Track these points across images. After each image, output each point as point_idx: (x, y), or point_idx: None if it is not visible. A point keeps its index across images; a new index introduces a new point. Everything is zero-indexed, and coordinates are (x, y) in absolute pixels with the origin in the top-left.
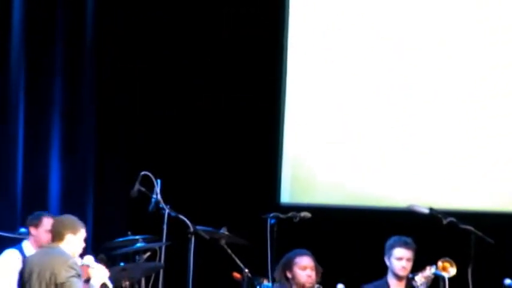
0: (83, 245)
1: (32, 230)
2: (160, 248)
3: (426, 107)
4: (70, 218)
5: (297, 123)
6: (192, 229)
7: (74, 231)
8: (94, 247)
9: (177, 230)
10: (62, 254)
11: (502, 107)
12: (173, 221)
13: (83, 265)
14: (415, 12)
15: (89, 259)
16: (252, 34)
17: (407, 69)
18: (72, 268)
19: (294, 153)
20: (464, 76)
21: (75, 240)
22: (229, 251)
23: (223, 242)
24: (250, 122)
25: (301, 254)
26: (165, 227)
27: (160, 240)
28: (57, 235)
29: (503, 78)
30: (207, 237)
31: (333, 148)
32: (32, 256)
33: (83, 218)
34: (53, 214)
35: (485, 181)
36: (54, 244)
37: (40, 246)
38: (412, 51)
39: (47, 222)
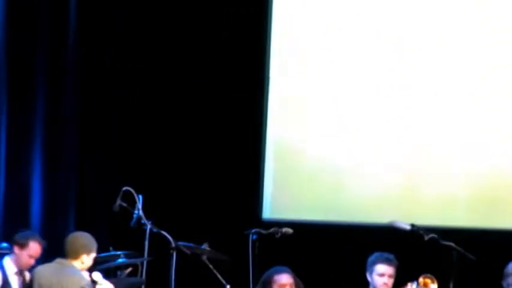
0: (91, 264)
1: (16, 249)
2: (142, 264)
3: (409, 120)
4: (87, 238)
5: (279, 138)
6: (173, 244)
7: (89, 252)
8: None
9: (159, 246)
10: (76, 273)
11: (483, 124)
12: (155, 237)
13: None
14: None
15: (97, 276)
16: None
17: (392, 80)
18: None
19: (276, 168)
20: (454, 91)
21: (88, 261)
22: (210, 266)
23: (204, 257)
24: (233, 137)
25: (280, 272)
26: (146, 242)
27: (142, 255)
28: (72, 253)
29: (494, 92)
30: (188, 252)
31: (314, 164)
32: (42, 269)
33: (64, 233)
34: (34, 229)
35: (466, 198)
36: (68, 262)
37: (20, 267)
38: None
39: (33, 246)
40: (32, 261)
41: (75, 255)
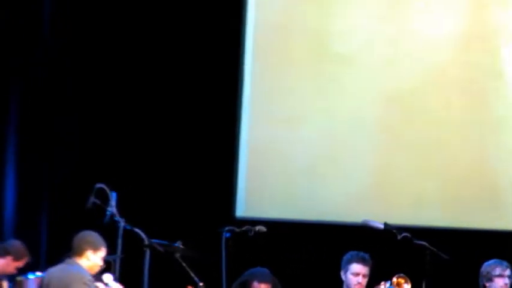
0: (101, 264)
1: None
2: (114, 261)
3: (383, 120)
4: (92, 235)
5: (254, 136)
6: (147, 242)
7: (95, 249)
8: (48, 259)
9: (132, 243)
10: (79, 271)
11: (457, 124)
12: (128, 234)
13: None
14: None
15: (108, 278)
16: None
17: (365, 79)
18: (87, 285)
19: (250, 166)
20: (427, 90)
21: (94, 258)
22: (184, 264)
23: (178, 255)
24: (207, 135)
25: (261, 280)
26: (120, 240)
27: (115, 253)
28: (77, 250)
29: (468, 90)
30: (162, 250)
31: (288, 163)
32: (52, 269)
33: (36, 230)
34: (7, 227)
35: (439, 197)
36: (73, 260)
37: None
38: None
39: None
40: None
41: (80, 252)
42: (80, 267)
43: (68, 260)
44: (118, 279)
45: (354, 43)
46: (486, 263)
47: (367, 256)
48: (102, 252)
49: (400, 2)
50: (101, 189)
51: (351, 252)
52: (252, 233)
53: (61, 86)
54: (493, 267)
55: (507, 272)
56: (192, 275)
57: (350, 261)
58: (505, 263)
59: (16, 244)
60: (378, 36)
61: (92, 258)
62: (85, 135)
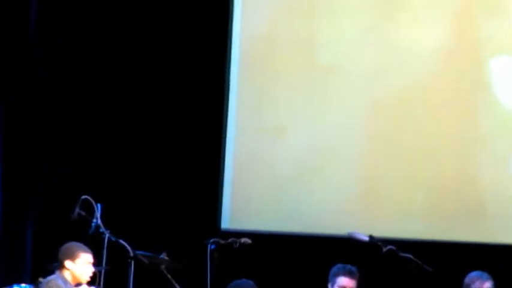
0: (88, 269)
1: None
2: (99, 272)
3: (370, 132)
4: (69, 245)
5: (239, 147)
6: (131, 254)
7: (72, 257)
8: (33, 271)
9: (117, 255)
10: (54, 278)
11: (443, 136)
12: (113, 246)
13: None
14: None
15: None
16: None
17: (353, 93)
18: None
19: (235, 177)
20: (412, 104)
21: (74, 266)
22: (169, 276)
23: (163, 267)
24: (192, 146)
25: None
26: (105, 251)
27: (100, 264)
28: (59, 264)
29: (454, 106)
30: (146, 262)
31: (273, 175)
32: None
33: (22, 241)
34: None
35: (425, 210)
36: (56, 275)
37: None
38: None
39: None
40: None
41: (60, 266)
42: (57, 276)
43: (52, 276)
44: None
45: (340, 54)
46: (468, 276)
47: (354, 269)
48: (82, 259)
49: (386, 13)
50: (86, 200)
51: (338, 265)
52: (237, 244)
53: (44, 93)
54: (474, 279)
55: (486, 285)
56: (177, 286)
57: (337, 274)
58: (486, 275)
59: None
60: (364, 47)
61: (72, 267)
62: (71, 146)
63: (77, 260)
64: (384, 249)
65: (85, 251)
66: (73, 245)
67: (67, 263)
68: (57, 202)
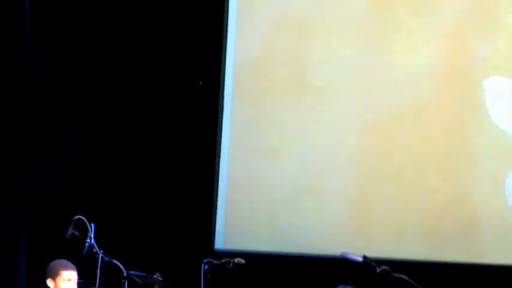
0: (71, 286)
1: None
2: None
3: (363, 152)
4: (52, 263)
5: (232, 168)
6: (125, 274)
7: (53, 275)
8: None
9: (111, 275)
10: None
11: (436, 157)
12: (107, 266)
13: None
14: None
15: None
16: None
17: (345, 115)
18: None
19: (228, 198)
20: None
21: (55, 285)
22: None
23: (156, 287)
24: (186, 166)
25: None
26: (98, 271)
27: (94, 284)
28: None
29: (438, 127)
30: (140, 282)
31: (267, 194)
32: None
33: (15, 260)
34: None
35: (418, 230)
36: None
37: None
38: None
39: None
40: None
41: (44, 284)
42: None
43: None
44: None
45: (333, 75)
46: None
47: None
48: (63, 276)
49: (379, 33)
50: (80, 220)
51: (340, 286)
52: (231, 265)
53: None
54: None
55: None
56: None
57: None
58: None
59: None
60: (357, 67)
61: (53, 286)
62: (65, 165)
63: (58, 278)
64: (378, 270)
65: (66, 268)
66: (55, 263)
67: (48, 282)
68: (51, 221)
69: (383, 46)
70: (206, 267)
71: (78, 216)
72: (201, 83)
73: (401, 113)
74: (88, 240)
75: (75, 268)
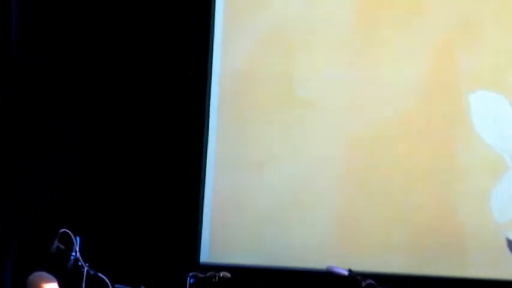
0: None
1: None
2: None
3: (348, 166)
4: (31, 277)
5: (218, 181)
6: (110, 287)
7: None
8: None
9: None
10: None
11: (422, 171)
12: (92, 279)
13: None
14: None
15: None
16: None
17: (329, 130)
18: None
19: (214, 211)
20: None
21: None
22: None
23: None
24: (172, 180)
25: None
26: (83, 284)
27: None
28: None
29: (424, 142)
30: None
31: (253, 208)
32: None
33: (0, 276)
34: None
35: (404, 244)
36: None
37: None
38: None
39: None
40: None
41: None
42: None
43: None
44: None
45: (319, 89)
46: None
47: None
48: None
49: (365, 48)
50: (65, 233)
51: None
52: (217, 278)
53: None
54: None
55: None
56: None
57: None
58: None
59: None
60: (343, 82)
61: None
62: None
63: None
64: (363, 284)
65: (48, 281)
66: (36, 275)
67: None
68: (36, 236)
69: (369, 61)
70: (192, 280)
71: (64, 230)
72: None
73: (388, 128)
74: (73, 254)
75: (55, 280)
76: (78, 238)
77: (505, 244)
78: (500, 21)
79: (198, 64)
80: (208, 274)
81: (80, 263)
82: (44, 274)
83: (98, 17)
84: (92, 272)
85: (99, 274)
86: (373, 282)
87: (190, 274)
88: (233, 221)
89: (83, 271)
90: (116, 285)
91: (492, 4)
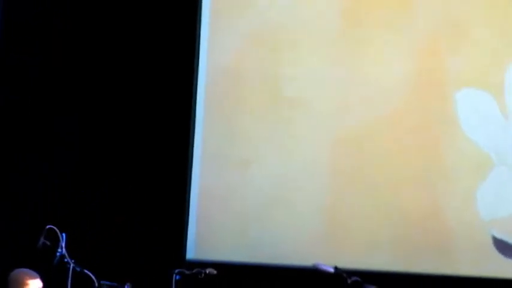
0: None
1: None
2: None
3: (335, 164)
4: (13, 273)
5: (205, 179)
6: (96, 284)
7: (18, 285)
8: None
9: (82, 285)
10: None
11: (409, 170)
12: (78, 276)
13: None
14: None
15: None
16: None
17: (320, 129)
18: None
19: (200, 208)
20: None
21: None
22: None
23: None
24: (158, 177)
25: None
26: (69, 281)
27: None
28: None
29: (411, 141)
30: None
31: (239, 205)
32: None
33: None
34: None
35: (391, 241)
36: None
37: None
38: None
39: None
40: None
41: None
42: None
43: None
44: None
45: (306, 88)
46: None
47: None
48: (30, 286)
49: (353, 48)
50: (52, 230)
51: None
52: (203, 275)
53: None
54: None
55: None
56: None
57: None
58: None
59: None
60: (330, 81)
61: None
62: (38, 175)
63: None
64: (349, 281)
65: (32, 277)
66: (19, 271)
67: None
68: (21, 232)
69: (356, 60)
70: (177, 277)
71: (50, 226)
72: None
73: (375, 127)
74: (59, 250)
75: (38, 276)
76: (64, 235)
77: (490, 242)
78: (487, 21)
79: (184, 62)
80: (194, 271)
81: (66, 260)
82: (27, 270)
83: (89, 18)
84: (77, 269)
85: (85, 271)
86: (358, 279)
87: (176, 271)
88: (219, 218)
89: (69, 267)
90: (101, 282)
91: (478, 4)
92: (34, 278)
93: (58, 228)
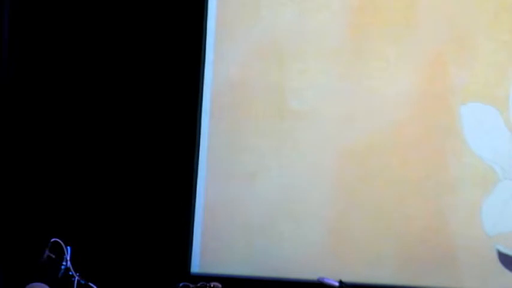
0: None
1: None
2: None
3: (341, 178)
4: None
5: (210, 191)
6: None
7: None
8: None
9: None
10: None
11: (414, 183)
12: None
13: None
14: None
15: None
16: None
17: (318, 141)
18: None
19: (205, 222)
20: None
21: None
22: None
23: None
24: (163, 190)
25: None
26: None
27: None
28: None
29: (416, 154)
30: None
31: (244, 218)
32: None
33: None
34: None
35: (395, 255)
36: None
37: None
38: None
39: None
40: None
41: None
42: None
43: None
44: None
45: (311, 100)
46: None
47: None
48: None
49: (357, 60)
50: (56, 243)
51: None
52: None
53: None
54: None
55: None
56: None
57: None
58: None
59: None
60: (335, 93)
61: None
62: (42, 188)
63: None
64: None
65: None
66: (33, 286)
67: None
68: (27, 245)
69: (362, 73)
70: None
71: (54, 239)
72: None
73: (380, 140)
74: (64, 263)
75: None
76: (69, 248)
77: (496, 256)
78: (492, 34)
79: (190, 73)
80: (199, 284)
81: (70, 273)
82: (42, 285)
83: (96, 28)
84: (82, 282)
85: (90, 284)
86: None
87: (181, 284)
88: (224, 231)
89: (74, 281)
90: None
91: (484, 18)
92: None
93: (63, 241)
